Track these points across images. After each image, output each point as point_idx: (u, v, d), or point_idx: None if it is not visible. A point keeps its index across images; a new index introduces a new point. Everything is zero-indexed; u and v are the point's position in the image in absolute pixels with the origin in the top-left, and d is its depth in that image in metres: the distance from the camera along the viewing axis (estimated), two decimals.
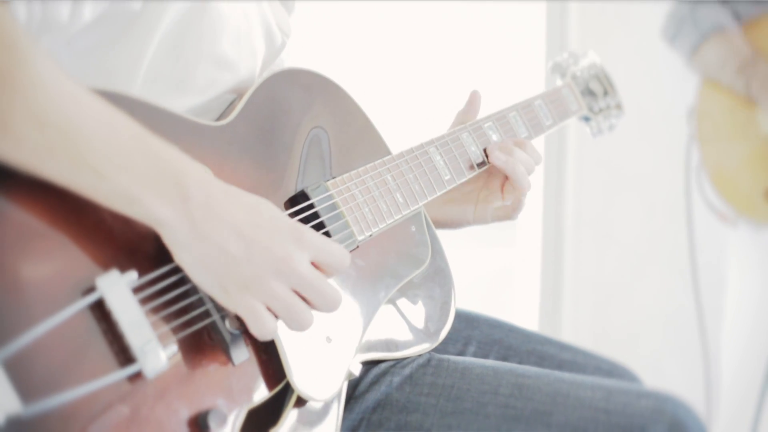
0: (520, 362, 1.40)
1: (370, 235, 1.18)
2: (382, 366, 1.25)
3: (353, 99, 1.26)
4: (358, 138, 1.25)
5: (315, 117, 1.20)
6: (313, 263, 1.01)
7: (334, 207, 1.15)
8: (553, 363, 1.41)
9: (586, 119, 1.62)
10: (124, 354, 0.92)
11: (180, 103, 1.12)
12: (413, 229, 1.27)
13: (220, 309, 1.00)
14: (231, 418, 0.99)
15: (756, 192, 2.56)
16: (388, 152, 1.27)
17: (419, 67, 2.84)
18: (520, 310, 3.24)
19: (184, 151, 0.96)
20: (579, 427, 1.15)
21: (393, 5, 2.72)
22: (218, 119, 1.16)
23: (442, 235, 1.34)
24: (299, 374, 1.06)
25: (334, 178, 1.18)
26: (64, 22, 1.02)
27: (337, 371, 1.11)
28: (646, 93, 3.03)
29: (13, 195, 0.90)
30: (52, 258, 0.91)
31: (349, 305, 1.15)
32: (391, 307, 1.23)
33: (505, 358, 1.41)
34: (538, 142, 1.47)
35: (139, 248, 0.97)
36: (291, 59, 1.30)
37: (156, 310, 0.96)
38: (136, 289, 0.94)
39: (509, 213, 1.38)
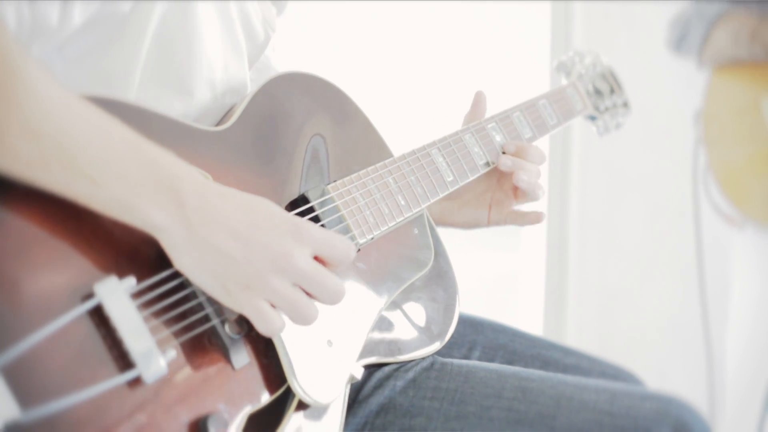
0: (524, 367, 1.39)
1: (372, 239, 1.18)
2: (386, 370, 1.24)
3: (354, 102, 1.26)
4: (358, 141, 1.25)
5: (315, 121, 1.20)
6: (316, 258, 1.01)
7: (335, 210, 1.15)
8: (558, 368, 1.41)
9: (593, 118, 1.61)
10: (123, 359, 0.92)
11: (180, 105, 1.12)
12: (416, 231, 1.26)
13: (219, 313, 1.00)
14: (231, 423, 0.99)
15: (763, 195, 2.56)
16: (390, 155, 1.27)
17: (423, 68, 2.84)
18: (525, 315, 3.23)
19: (183, 157, 0.96)
20: (583, 429, 1.15)
21: (397, 5, 2.71)
22: (218, 124, 1.15)
23: (446, 239, 1.33)
24: (300, 378, 1.05)
25: (334, 181, 1.18)
26: (54, 27, 1.02)
27: (339, 375, 1.11)
28: (653, 95, 3.02)
29: (11, 203, 0.90)
30: (50, 264, 0.90)
31: (351, 308, 1.15)
32: (393, 310, 1.23)
33: (509, 363, 1.40)
34: (544, 145, 1.47)
35: (137, 254, 0.96)
36: (288, 63, 1.30)
37: (155, 315, 0.96)
38: (135, 295, 0.94)
39: (524, 220, 1.39)
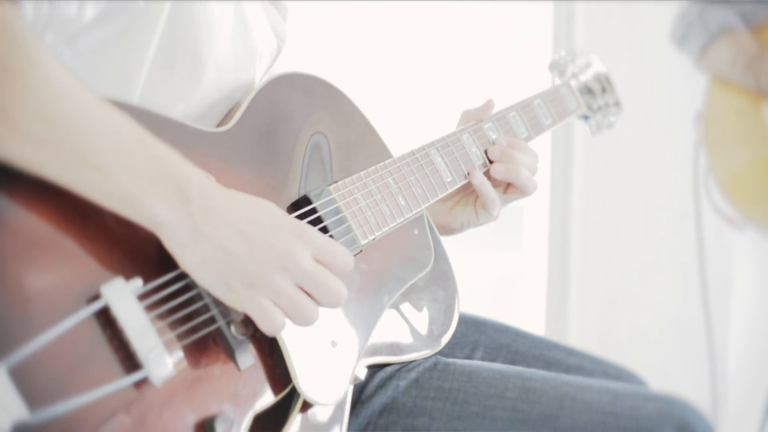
0: (527, 367, 1.39)
1: (374, 239, 1.18)
2: (388, 370, 1.25)
3: (354, 102, 1.26)
4: (359, 142, 1.25)
5: (316, 122, 1.20)
6: (316, 260, 1.01)
7: (336, 211, 1.16)
8: (560, 368, 1.41)
9: (586, 118, 1.62)
10: (130, 361, 0.92)
11: (184, 106, 1.13)
12: (416, 232, 1.27)
13: (225, 315, 1.01)
14: (238, 424, 0.99)
15: (764, 196, 2.56)
16: (390, 155, 1.27)
17: (425, 68, 2.84)
18: (527, 315, 3.23)
19: (185, 158, 0.97)
20: (586, 430, 1.15)
21: (398, 5, 2.71)
22: (219, 125, 1.16)
23: (448, 240, 1.34)
24: (305, 379, 1.06)
25: (335, 182, 1.19)
26: (70, 19, 1.03)
27: (343, 375, 1.11)
28: (654, 96, 3.03)
29: (17, 204, 0.90)
30: (57, 266, 0.91)
31: (354, 309, 1.15)
32: (395, 310, 1.23)
33: (512, 363, 1.40)
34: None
35: (143, 255, 0.97)
36: (288, 64, 1.30)
37: (161, 316, 0.96)
38: (142, 296, 0.94)
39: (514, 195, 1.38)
